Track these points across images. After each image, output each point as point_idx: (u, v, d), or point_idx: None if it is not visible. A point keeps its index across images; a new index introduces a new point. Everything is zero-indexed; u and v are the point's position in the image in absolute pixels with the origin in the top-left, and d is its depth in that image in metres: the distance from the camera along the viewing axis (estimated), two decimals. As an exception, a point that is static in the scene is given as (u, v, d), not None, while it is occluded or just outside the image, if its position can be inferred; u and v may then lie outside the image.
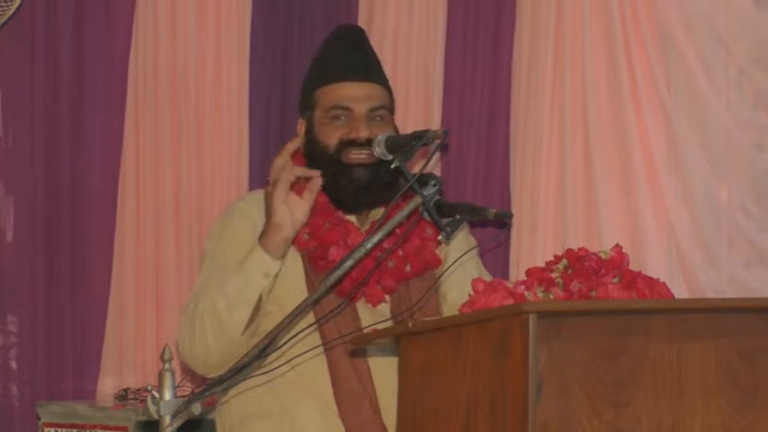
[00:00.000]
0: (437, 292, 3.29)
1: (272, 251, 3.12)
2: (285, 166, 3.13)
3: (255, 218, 3.24)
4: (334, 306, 3.02)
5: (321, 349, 3.12)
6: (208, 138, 4.15)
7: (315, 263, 3.21)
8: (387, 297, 3.23)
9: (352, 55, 3.32)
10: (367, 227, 3.29)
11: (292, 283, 3.20)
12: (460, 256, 3.16)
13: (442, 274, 3.23)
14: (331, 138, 3.25)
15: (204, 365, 3.17)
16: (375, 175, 3.21)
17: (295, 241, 3.21)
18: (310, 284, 3.20)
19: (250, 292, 3.11)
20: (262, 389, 3.18)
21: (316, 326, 3.03)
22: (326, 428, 3.15)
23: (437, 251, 3.31)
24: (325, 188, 3.23)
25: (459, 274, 3.25)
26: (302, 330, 2.91)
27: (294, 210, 3.13)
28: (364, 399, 3.15)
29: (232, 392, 3.23)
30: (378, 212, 3.30)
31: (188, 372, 3.41)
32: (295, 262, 3.23)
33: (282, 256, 3.14)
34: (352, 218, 3.29)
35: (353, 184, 3.23)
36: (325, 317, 3.04)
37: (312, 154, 3.27)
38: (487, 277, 3.26)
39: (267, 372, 3.00)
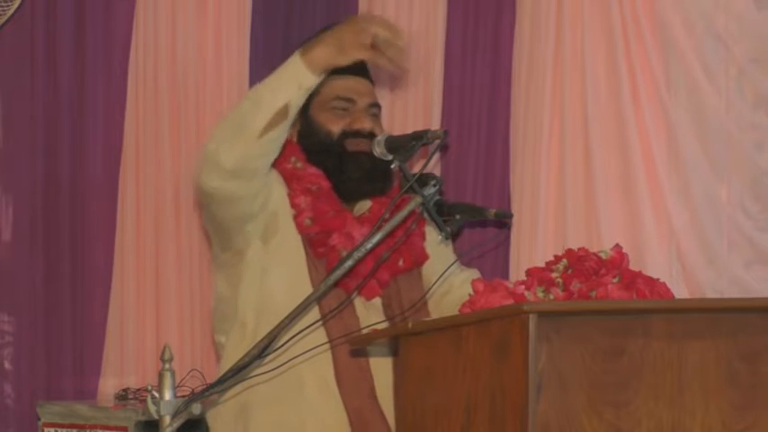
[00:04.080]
0: (422, 287, 3.31)
1: (314, 66, 3.07)
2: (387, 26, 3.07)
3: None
4: (336, 301, 3.04)
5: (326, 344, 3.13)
6: (208, 137, 4.14)
7: (315, 249, 3.22)
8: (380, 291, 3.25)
9: None
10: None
11: (295, 265, 3.21)
12: (451, 264, 3.20)
13: (430, 288, 3.23)
14: (333, 126, 3.28)
15: (215, 166, 3.10)
16: (376, 164, 3.22)
17: (296, 224, 3.23)
18: (312, 269, 3.21)
19: (279, 97, 3.07)
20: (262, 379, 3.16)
21: (321, 324, 3.04)
22: (330, 412, 3.16)
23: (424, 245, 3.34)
24: (328, 175, 3.25)
25: (438, 262, 3.29)
26: (306, 328, 2.90)
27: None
28: (364, 385, 3.17)
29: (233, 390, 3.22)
30: (363, 205, 3.31)
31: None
32: (297, 245, 3.23)
33: (320, 76, 3.09)
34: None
35: (358, 172, 3.25)
36: (325, 316, 3.04)
37: (310, 138, 3.27)
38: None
39: (271, 370, 2.99)
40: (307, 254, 3.24)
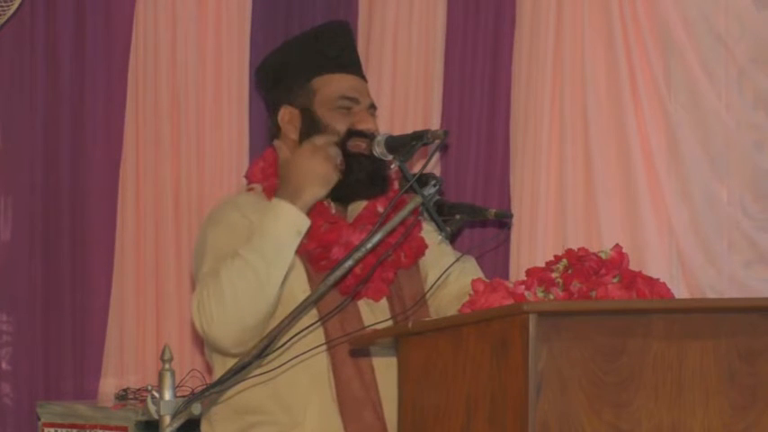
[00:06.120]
0: (421, 280, 3.29)
1: (308, 209, 3.08)
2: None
3: (249, 217, 3.21)
4: (337, 304, 3.01)
5: (325, 347, 3.10)
6: (208, 138, 4.15)
7: (316, 263, 3.17)
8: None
9: (349, 50, 3.33)
10: (350, 221, 3.28)
11: (298, 286, 3.17)
12: (457, 260, 3.19)
13: (433, 286, 3.21)
14: (339, 126, 3.24)
15: (238, 332, 3.03)
16: (377, 166, 3.20)
17: None
18: (314, 286, 3.16)
19: (286, 251, 3.06)
20: (259, 388, 3.14)
21: (319, 325, 3.02)
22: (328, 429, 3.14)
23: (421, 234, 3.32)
24: None
25: (435, 254, 3.27)
26: (304, 330, 2.89)
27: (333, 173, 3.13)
28: (367, 404, 3.13)
29: (230, 392, 3.19)
30: (357, 207, 3.28)
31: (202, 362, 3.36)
32: (295, 263, 3.20)
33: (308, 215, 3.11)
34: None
35: (362, 174, 3.22)
36: (325, 316, 3.02)
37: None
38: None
39: (269, 371, 2.97)
40: (307, 271, 3.19)
